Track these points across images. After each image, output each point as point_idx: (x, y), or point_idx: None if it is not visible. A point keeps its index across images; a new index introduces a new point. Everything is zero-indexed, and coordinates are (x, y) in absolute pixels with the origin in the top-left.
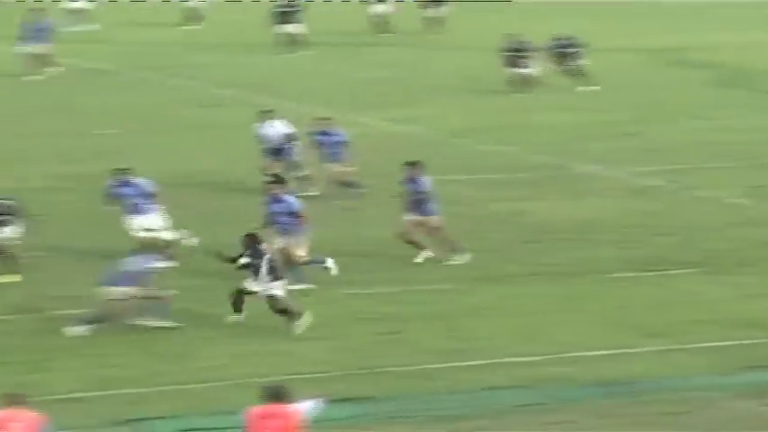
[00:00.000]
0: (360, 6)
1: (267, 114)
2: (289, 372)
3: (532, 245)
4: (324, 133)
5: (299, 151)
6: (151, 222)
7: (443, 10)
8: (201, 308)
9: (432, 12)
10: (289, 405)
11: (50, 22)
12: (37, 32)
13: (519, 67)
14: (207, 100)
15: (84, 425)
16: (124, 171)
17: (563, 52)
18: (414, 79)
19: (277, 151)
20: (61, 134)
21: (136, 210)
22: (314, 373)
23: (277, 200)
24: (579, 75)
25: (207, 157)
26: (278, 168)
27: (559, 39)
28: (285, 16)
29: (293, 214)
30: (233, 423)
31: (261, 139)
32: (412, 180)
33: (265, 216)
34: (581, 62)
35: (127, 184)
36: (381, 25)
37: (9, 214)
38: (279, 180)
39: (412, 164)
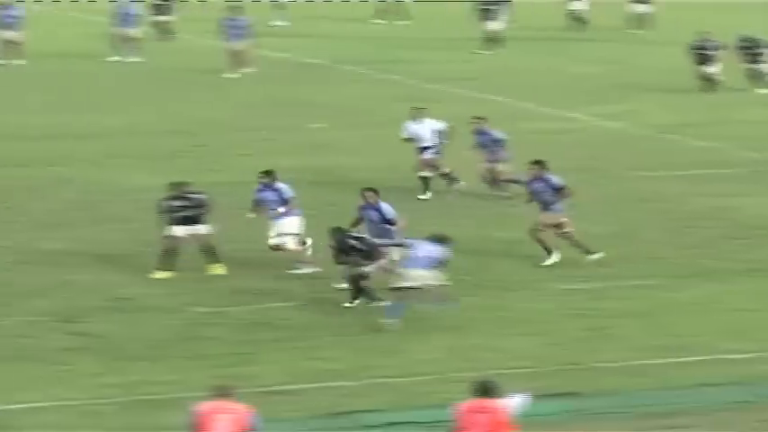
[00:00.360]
0: (556, 3)
1: (419, 112)
2: (499, 367)
3: (739, 241)
4: (481, 132)
5: (439, 150)
6: (286, 227)
7: (650, 7)
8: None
9: (641, 8)
10: (497, 400)
11: (247, 20)
12: (236, 29)
13: (705, 65)
14: (416, 95)
15: (293, 417)
16: (267, 174)
17: (750, 53)
18: (621, 75)
19: (424, 149)
20: (275, 128)
21: (275, 214)
22: (524, 368)
23: None
24: (759, 77)
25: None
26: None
27: (745, 39)
28: (488, 13)
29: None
30: (441, 417)
31: (412, 136)
32: (539, 179)
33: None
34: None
35: (269, 188)
36: (578, 21)
37: (202, 207)
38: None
39: (537, 162)
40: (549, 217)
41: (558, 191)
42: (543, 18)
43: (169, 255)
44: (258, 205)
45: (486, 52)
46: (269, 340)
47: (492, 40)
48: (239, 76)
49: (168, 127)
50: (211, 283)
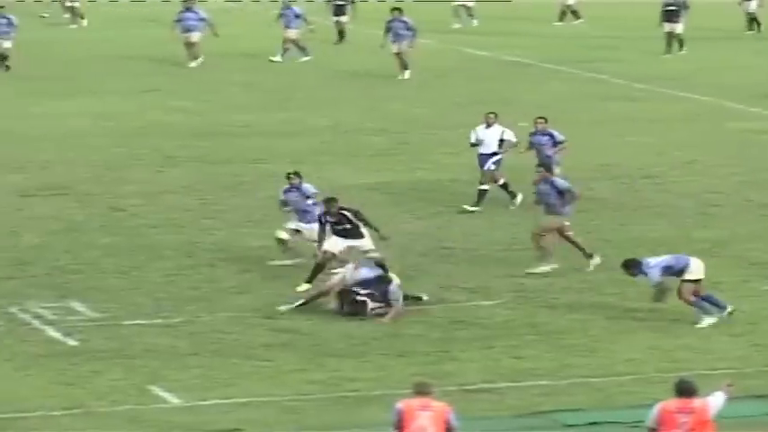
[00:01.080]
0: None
1: (490, 117)
2: (702, 367)
3: None
4: (540, 133)
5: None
6: (302, 226)
7: None
8: (615, 301)
9: None
10: (699, 400)
11: (409, 21)
12: (399, 30)
13: None
14: (624, 94)
15: (492, 416)
16: (296, 175)
17: None
18: None
19: (487, 156)
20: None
21: (298, 215)
22: (728, 369)
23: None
24: None
25: (619, 151)
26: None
27: None
28: (670, 15)
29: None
30: (641, 417)
31: (477, 141)
32: (545, 181)
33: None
34: None
35: (296, 189)
36: (753, 22)
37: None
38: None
39: (542, 165)
40: (550, 220)
41: (562, 194)
42: (720, 19)
43: None
44: (284, 206)
45: (680, 52)
46: (470, 338)
47: (673, 40)
48: (406, 77)
49: (372, 125)
50: (418, 280)
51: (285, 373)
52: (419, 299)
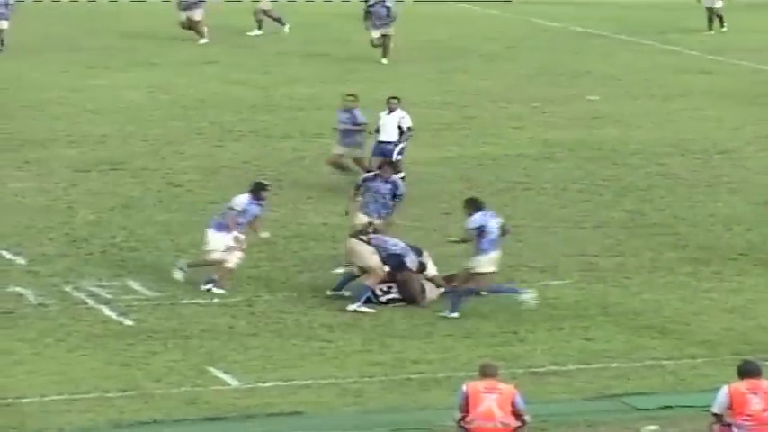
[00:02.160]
0: None
1: (392, 102)
2: None
3: None
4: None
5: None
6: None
7: None
8: (689, 280)
9: None
10: (766, 381)
11: None
12: (382, 16)
13: None
14: (692, 66)
15: (562, 399)
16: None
17: None
18: None
19: (385, 144)
20: (549, 100)
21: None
22: None
23: None
24: None
25: (693, 125)
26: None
27: None
28: None
29: None
30: (712, 402)
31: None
32: None
33: None
34: None
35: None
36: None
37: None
38: None
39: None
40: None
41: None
42: None
43: None
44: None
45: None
46: (538, 319)
47: (714, 16)
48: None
49: (438, 98)
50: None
51: (347, 354)
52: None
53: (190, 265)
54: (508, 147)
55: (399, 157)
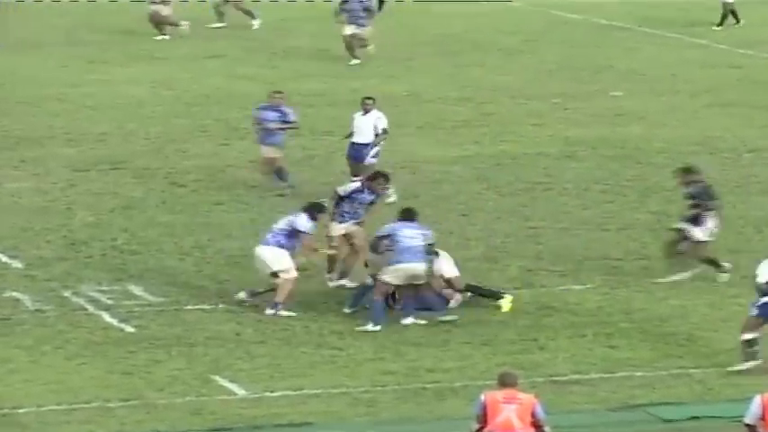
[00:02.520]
0: None
1: (367, 102)
2: None
3: None
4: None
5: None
6: None
7: None
8: (717, 286)
9: None
10: None
11: None
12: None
13: None
14: (720, 60)
15: (584, 409)
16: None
17: None
18: None
19: (361, 147)
20: (570, 96)
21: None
22: None
23: None
24: None
25: (722, 122)
26: None
27: None
28: None
29: None
30: (742, 412)
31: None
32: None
33: None
34: None
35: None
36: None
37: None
38: None
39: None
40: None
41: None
42: None
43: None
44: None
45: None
46: (559, 326)
47: (727, 11)
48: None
49: (454, 94)
50: (503, 262)
51: (359, 362)
52: (498, 296)
53: (253, 295)
54: (527, 145)
55: (373, 161)
